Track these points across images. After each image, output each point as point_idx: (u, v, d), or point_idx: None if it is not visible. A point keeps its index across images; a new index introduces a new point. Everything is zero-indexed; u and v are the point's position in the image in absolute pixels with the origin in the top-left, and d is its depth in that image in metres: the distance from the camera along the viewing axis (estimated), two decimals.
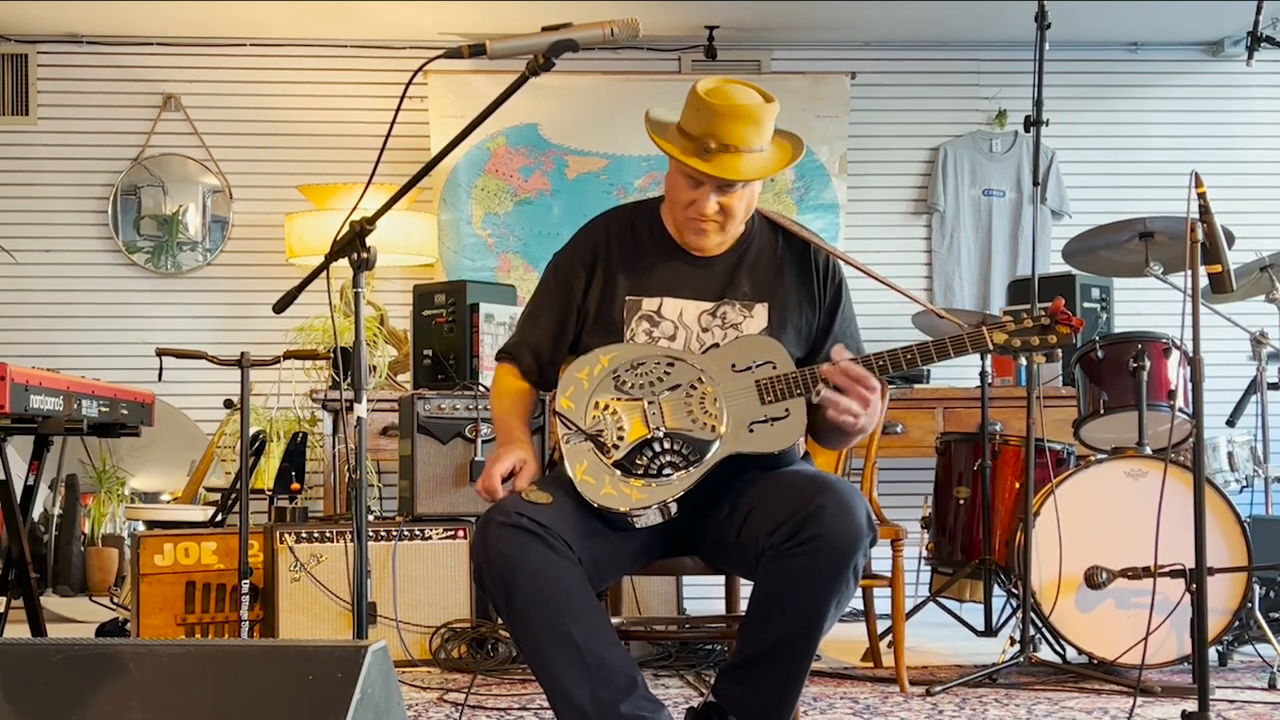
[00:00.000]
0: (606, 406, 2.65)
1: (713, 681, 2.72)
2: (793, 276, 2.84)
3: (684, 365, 2.68)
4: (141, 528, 5.06)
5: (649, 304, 2.77)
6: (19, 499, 4.06)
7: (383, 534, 4.28)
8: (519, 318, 2.97)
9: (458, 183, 6.25)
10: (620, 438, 2.62)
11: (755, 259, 2.83)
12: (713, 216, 2.71)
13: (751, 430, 2.64)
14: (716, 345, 2.74)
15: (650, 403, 2.65)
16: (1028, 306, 3.99)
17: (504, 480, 2.67)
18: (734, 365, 2.68)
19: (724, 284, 2.80)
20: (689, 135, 2.66)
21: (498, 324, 4.95)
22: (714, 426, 2.63)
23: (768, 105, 2.66)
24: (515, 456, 2.69)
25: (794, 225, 2.90)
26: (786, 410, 2.64)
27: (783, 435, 2.65)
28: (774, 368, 2.67)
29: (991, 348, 2.67)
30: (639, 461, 2.61)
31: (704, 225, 2.73)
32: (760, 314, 2.79)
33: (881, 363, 2.63)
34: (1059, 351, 2.70)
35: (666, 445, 2.62)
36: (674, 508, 2.59)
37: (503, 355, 2.92)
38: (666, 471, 2.60)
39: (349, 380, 2.68)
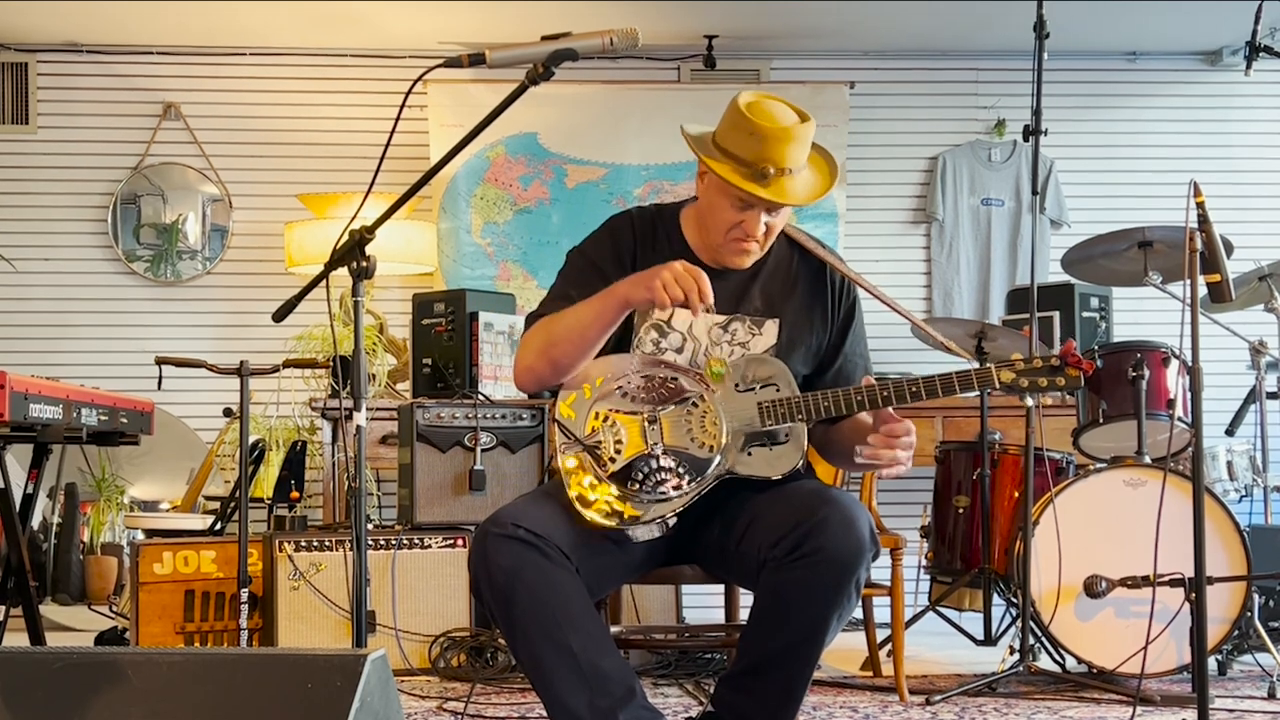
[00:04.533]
0: (606, 418, 2.64)
1: (712, 690, 2.72)
2: (805, 292, 2.82)
3: (688, 380, 2.68)
4: (141, 536, 5.05)
5: (660, 313, 2.73)
6: (18, 507, 4.05)
7: (382, 542, 4.28)
8: (543, 299, 2.80)
9: (457, 191, 6.25)
10: (618, 451, 2.61)
11: (770, 274, 2.81)
12: (758, 237, 2.69)
13: (750, 453, 2.63)
14: None
15: (650, 417, 2.65)
16: (1026, 316, 4.01)
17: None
18: (738, 385, 2.67)
19: (737, 299, 2.77)
20: (741, 159, 2.61)
21: (497, 333, 4.95)
22: (712, 446, 2.62)
23: (807, 125, 2.64)
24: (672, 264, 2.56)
25: (811, 242, 2.87)
26: (787, 435, 2.64)
27: (781, 460, 2.64)
28: (778, 390, 2.65)
29: (998, 387, 2.64)
30: (635, 477, 2.59)
31: (748, 246, 2.70)
32: (770, 329, 2.77)
33: (886, 394, 2.61)
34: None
35: (663, 462, 2.60)
36: (673, 522, 2.59)
37: (532, 320, 2.76)
38: (662, 489, 2.59)
39: (348, 389, 2.68)
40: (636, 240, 2.80)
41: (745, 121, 2.61)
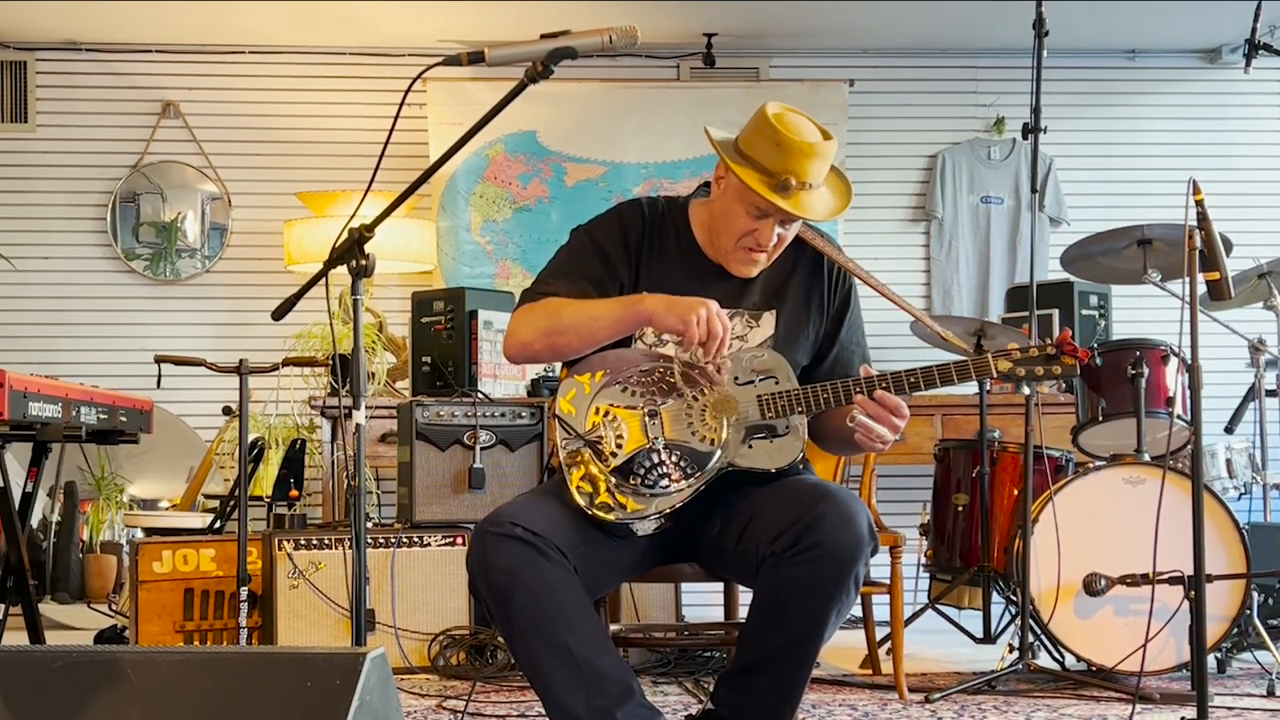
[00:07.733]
0: (607, 413, 2.64)
1: (712, 688, 2.72)
2: (803, 282, 2.83)
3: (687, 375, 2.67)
4: (140, 535, 5.05)
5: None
6: (18, 506, 4.05)
7: (381, 541, 4.28)
8: (542, 273, 2.78)
9: (456, 190, 6.25)
10: (619, 445, 2.61)
11: (769, 269, 2.80)
12: (768, 248, 2.70)
13: (751, 445, 2.64)
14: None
15: (650, 412, 2.64)
16: (1025, 314, 4.01)
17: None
18: (737, 378, 2.67)
19: (737, 294, 2.77)
20: (764, 168, 2.62)
21: (496, 331, 4.95)
22: (713, 439, 2.62)
23: (830, 143, 2.67)
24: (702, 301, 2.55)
25: (810, 233, 2.87)
26: (787, 427, 2.64)
27: (782, 453, 2.64)
28: (777, 383, 2.66)
29: (996, 376, 2.64)
30: (636, 471, 2.60)
31: (757, 257, 2.71)
32: (768, 321, 2.78)
33: (885, 385, 2.61)
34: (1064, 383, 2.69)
35: (664, 456, 2.61)
36: (668, 513, 2.59)
37: (533, 294, 2.73)
38: (663, 483, 2.59)
39: (348, 387, 2.68)
40: (645, 230, 2.79)
41: (773, 132, 2.62)
